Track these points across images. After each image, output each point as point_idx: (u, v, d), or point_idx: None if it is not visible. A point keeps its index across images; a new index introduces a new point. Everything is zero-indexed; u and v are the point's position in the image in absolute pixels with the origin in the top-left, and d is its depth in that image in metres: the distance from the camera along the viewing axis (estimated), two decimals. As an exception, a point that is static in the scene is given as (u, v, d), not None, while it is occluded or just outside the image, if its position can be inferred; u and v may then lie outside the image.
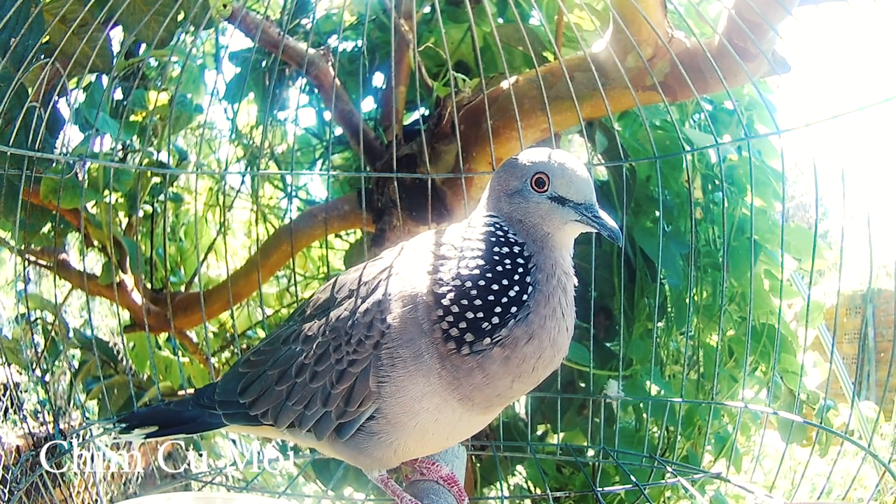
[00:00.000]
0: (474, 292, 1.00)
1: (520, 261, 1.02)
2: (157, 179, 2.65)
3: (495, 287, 1.00)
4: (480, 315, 0.99)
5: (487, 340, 0.99)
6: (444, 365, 1.01)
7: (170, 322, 2.59)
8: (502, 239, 1.04)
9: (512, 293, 1.00)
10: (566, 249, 1.08)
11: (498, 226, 1.06)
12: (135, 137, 2.55)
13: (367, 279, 1.12)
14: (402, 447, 1.10)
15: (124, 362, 2.74)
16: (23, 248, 2.39)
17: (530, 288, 1.01)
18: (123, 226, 2.87)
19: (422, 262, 1.07)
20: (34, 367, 2.58)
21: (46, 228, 2.44)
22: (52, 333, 2.71)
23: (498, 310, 0.99)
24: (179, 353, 2.96)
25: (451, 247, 1.07)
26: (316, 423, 1.12)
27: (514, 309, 0.99)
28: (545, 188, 1.05)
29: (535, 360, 1.01)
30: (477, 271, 1.01)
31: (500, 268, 1.01)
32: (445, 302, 1.01)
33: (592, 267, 1.77)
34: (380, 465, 1.16)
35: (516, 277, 1.01)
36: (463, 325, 1.00)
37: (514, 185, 1.07)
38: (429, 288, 1.03)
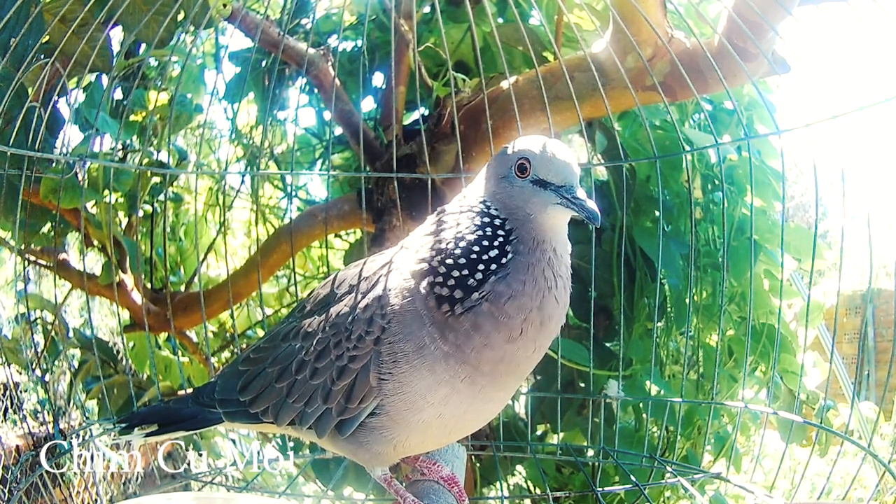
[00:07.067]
0: (458, 251, 1.05)
1: (500, 232, 1.06)
2: (157, 179, 2.65)
3: (476, 248, 1.05)
4: (465, 273, 1.03)
5: (475, 295, 1.02)
6: (445, 336, 1.03)
7: (170, 322, 2.59)
8: (485, 214, 1.09)
9: (492, 254, 1.05)
10: (554, 232, 1.09)
11: (486, 205, 1.10)
12: (135, 137, 2.55)
13: (368, 274, 1.12)
14: (402, 443, 1.11)
15: (124, 362, 2.74)
16: (23, 248, 2.39)
17: (509, 255, 1.05)
18: (123, 226, 2.87)
19: (418, 251, 1.10)
20: (34, 366, 2.58)
21: (46, 228, 2.44)
22: (52, 333, 2.71)
23: (481, 266, 1.03)
24: (179, 352, 2.96)
25: (444, 228, 1.10)
26: (316, 420, 1.12)
27: (493, 266, 1.04)
28: (527, 173, 1.08)
29: (521, 320, 1.03)
30: (462, 240, 1.06)
31: (480, 232, 1.06)
32: (434, 264, 1.05)
33: (592, 267, 1.77)
34: (379, 461, 1.16)
35: (496, 243, 1.05)
36: (451, 282, 1.03)
37: (502, 172, 1.10)
38: (421, 268, 1.07)
